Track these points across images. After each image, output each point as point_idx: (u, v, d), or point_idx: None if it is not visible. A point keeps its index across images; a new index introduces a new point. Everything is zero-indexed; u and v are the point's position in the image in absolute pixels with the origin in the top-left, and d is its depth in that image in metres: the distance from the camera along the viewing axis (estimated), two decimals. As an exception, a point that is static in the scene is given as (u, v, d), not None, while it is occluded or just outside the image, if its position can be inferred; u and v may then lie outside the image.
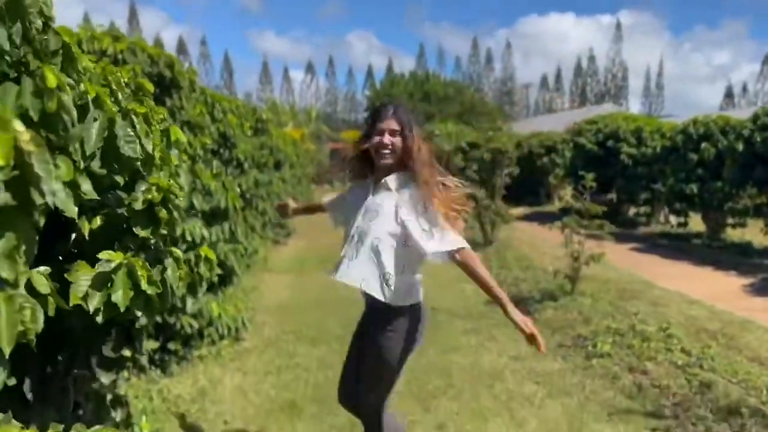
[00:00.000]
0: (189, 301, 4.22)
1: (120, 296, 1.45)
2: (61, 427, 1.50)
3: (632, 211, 12.60)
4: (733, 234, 9.21)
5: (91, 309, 1.44)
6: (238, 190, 4.71)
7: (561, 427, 3.34)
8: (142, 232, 1.57)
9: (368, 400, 2.36)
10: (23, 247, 1.18)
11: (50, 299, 1.27)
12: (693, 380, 3.78)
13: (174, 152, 2.57)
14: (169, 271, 1.64)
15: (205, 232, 4.00)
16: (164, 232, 1.71)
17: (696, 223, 10.03)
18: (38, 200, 1.16)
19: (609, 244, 9.72)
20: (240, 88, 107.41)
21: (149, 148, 1.67)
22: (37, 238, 1.25)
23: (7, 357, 1.20)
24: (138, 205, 1.63)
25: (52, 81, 1.24)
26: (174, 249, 1.75)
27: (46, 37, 1.50)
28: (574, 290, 5.89)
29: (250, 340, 4.88)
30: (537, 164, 15.83)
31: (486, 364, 4.33)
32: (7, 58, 1.30)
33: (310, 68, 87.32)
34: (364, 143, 2.18)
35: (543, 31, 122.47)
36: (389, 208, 2.14)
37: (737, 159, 7.72)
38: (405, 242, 2.12)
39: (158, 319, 3.76)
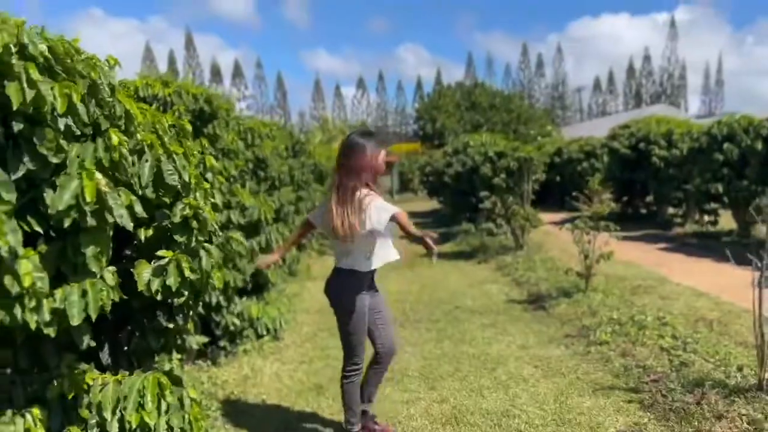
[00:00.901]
0: (234, 302, 4.94)
1: (172, 281, 2.11)
2: (127, 372, 2.18)
3: (670, 211, 12.73)
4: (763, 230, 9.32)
5: (153, 291, 2.11)
6: (274, 205, 5.40)
7: (548, 400, 3.85)
8: (180, 238, 2.23)
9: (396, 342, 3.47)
10: (103, 252, 1.87)
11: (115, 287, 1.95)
12: (674, 360, 4.22)
13: (209, 175, 3.29)
14: (204, 261, 2.29)
15: (245, 242, 4.71)
16: (200, 237, 2.38)
17: (728, 221, 10.18)
18: (110, 220, 1.84)
19: (640, 244, 10.06)
20: (294, 106, 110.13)
21: (186, 177, 2.33)
22: (110, 245, 1.93)
23: (93, 320, 1.88)
24: (176, 219, 2.30)
25: (115, 140, 1.92)
26: (207, 245, 2.41)
27: (111, 100, 2.19)
28: (588, 287, 6.31)
29: (289, 337, 5.55)
30: (577, 169, 16.05)
31: (494, 353, 4.86)
32: (85, 120, 1.98)
33: (360, 84, 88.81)
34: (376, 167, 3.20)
35: (597, 34, 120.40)
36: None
37: (758, 158, 7.94)
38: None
39: (202, 311, 4.45)
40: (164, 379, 2.06)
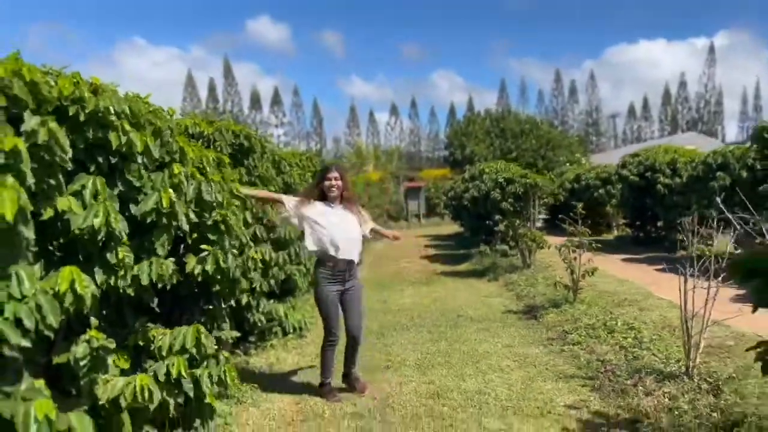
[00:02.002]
0: (262, 304, 5.87)
1: (209, 267, 3.06)
2: (183, 331, 3.12)
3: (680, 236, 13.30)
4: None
5: (196, 274, 3.06)
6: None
7: (516, 384, 4.66)
8: (212, 236, 3.18)
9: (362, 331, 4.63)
10: (167, 242, 2.83)
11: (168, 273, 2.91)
12: (629, 356, 4.98)
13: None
14: (229, 258, 3.24)
15: (273, 254, 5.66)
16: (229, 240, 3.33)
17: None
18: (175, 223, 2.81)
19: (642, 265, 10.73)
20: (329, 132, 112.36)
21: (219, 197, 3.29)
22: (171, 239, 2.90)
23: (155, 282, 2.83)
24: (209, 222, 3.25)
25: (176, 170, 2.89)
26: (234, 250, 3.36)
27: (171, 141, 3.18)
28: (576, 299, 7.07)
29: (311, 336, 6.44)
30: (594, 195, 16.72)
31: (481, 350, 5.68)
32: (155, 156, 2.95)
33: (394, 110, 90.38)
34: (319, 185, 4.45)
35: (634, 59, 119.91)
36: (354, 221, 4.48)
37: (746, 186, 8.58)
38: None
39: (234, 305, 5.40)
40: (202, 328, 2.98)
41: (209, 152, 3.83)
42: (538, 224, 19.30)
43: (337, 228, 4.31)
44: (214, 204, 3.18)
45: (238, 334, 5.83)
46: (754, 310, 2.35)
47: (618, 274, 9.45)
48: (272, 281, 5.76)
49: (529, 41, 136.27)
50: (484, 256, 11.70)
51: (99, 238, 2.44)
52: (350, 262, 4.41)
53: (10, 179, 1.90)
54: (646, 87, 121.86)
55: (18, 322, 2.11)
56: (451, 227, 22.41)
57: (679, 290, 4.44)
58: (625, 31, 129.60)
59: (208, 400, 3.15)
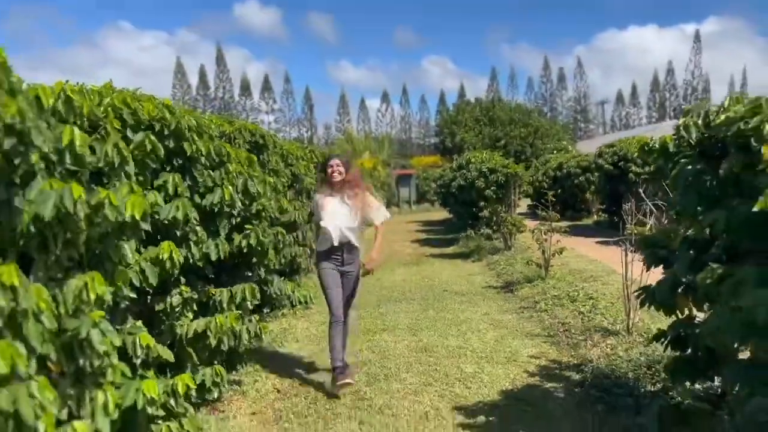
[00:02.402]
0: (274, 279, 6.83)
1: (253, 241, 4.03)
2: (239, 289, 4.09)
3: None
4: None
5: (242, 246, 4.03)
6: (306, 210, 7.32)
7: (490, 341, 5.66)
8: (254, 221, 4.13)
9: (351, 311, 4.85)
10: (226, 225, 3.80)
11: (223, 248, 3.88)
12: (585, 319, 6.01)
13: (267, 188, 5.23)
14: (263, 235, 4.20)
15: (287, 235, 6.61)
16: (265, 223, 4.30)
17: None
18: (232, 211, 3.78)
19: (613, 248, 11.71)
20: (320, 118, 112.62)
21: (259, 188, 4.24)
22: (229, 223, 3.86)
23: (221, 257, 3.80)
24: (253, 210, 4.21)
25: (231, 168, 3.85)
26: (268, 230, 4.32)
27: (221, 147, 4.12)
28: (547, 275, 8.09)
29: (316, 308, 7.42)
30: (575, 183, 17.75)
31: (463, 317, 6.69)
32: (214, 158, 3.89)
33: (385, 97, 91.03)
34: (326, 175, 4.74)
35: (624, 45, 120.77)
36: (354, 210, 4.66)
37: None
38: (360, 223, 4.71)
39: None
40: (255, 287, 3.95)
41: (242, 152, 4.77)
42: (524, 210, 20.34)
43: (333, 215, 4.54)
44: (255, 194, 4.14)
45: (258, 302, 6.84)
46: (647, 270, 3.38)
47: (590, 255, 10.48)
48: (283, 260, 6.72)
49: (521, 27, 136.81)
50: (470, 240, 12.70)
51: (180, 225, 3.40)
52: (345, 246, 4.60)
53: (135, 186, 2.84)
54: (636, 73, 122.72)
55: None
56: (440, 213, 23.40)
57: (622, 262, 5.44)
58: (616, 15, 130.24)
59: (244, 348, 4.15)
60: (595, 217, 17.99)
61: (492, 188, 11.73)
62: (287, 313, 7.03)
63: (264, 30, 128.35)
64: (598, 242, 12.62)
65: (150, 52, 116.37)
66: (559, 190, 18.94)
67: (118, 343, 2.47)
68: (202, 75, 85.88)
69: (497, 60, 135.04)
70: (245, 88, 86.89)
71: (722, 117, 2.46)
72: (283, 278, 7.35)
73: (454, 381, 4.59)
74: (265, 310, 7.06)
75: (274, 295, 6.87)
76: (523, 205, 20.48)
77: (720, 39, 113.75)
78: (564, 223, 17.29)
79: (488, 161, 12.42)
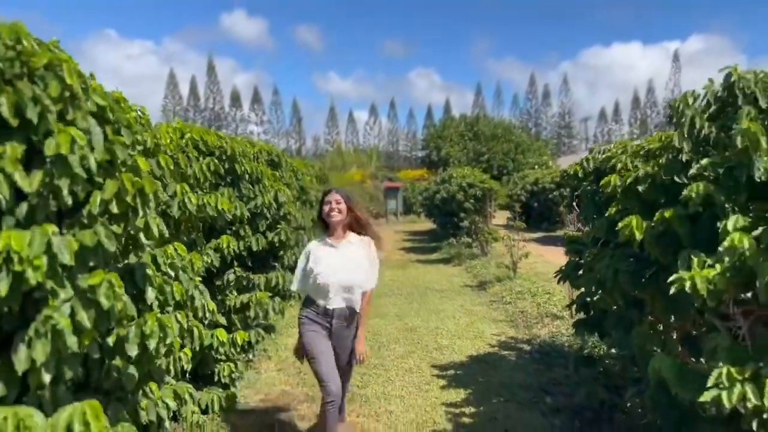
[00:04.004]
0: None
1: (283, 238, 5.36)
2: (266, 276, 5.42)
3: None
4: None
5: (275, 242, 5.36)
6: (311, 217, 8.66)
7: (462, 324, 7.01)
8: (282, 223, 5.46)
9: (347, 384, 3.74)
10: (264, 224, 5.14)
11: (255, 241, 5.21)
12: (540, 307, 7.37)
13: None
14: (289, 233, 5.53)
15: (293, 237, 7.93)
16: (290, 222, 5.63)
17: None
18: (269, 213, 5.12)
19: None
20: (308, 130, 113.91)
21: (284, 199, 5.56)
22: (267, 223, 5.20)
23: (261, 248, 5.14)
24: (281, 214, 5.55)
25: (267, 183, 5.19)
26: (291, 230, 5.65)
27: (257, 166, 5.46)
28: (515, 276, 9.47)
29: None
30: (549, 197, 19.21)
31: (442, 308, 8.03)
32: (255, 176, 5.22)
33: (373, 110, 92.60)
34: (322, 213, 3.59)
35: (609, 62, 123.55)
36: (360, 261, 3.49)
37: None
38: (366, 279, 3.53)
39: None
40: (284, 274, 5.27)
41: (268, 170, 6.11)
42: (503, 222, 21.75)
43: (331, 269, 3.42)
44: (283, 202, 5.46)
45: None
46: (567, 256, 4.70)
47: (556, 261, 11.86)
48: (294, 257, 8.03)
49: (507, 41, 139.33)
50: (451, 247, 14.06)
51: (237, 222, 4.71)
52: (344, 311, 3.46)
53: (226, 191, 4.15)
54: (621, 89, 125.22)
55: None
56: (425, 224, 24.77)
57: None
58: (600, 32, 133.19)
59: (274, 319, 5.45)
60: (568, 228, 19.44)
61: (470, 201, 13.14)
62: (294, 304, 8.33)
63: (251, 40, 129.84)
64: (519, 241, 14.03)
65: (136, 61, 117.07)
66: (536, 204, 20.44)
67: (212, 304, 3.77)
68: (193, 86, 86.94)
69: (482, 74, 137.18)
70: (235, 99, 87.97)
71: (600, 157, 3.85)
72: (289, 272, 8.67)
73: (432, 350, 5.93)
74: (276, 299, 8.36)
75: (286, 287, 8.20)
76: (502, 217, 21.91)
77: (703, 56, 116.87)
78: (539, 234, 18.83)
79: (468, 176, 13.83)
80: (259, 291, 5.15)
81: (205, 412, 4.16)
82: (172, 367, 3.18)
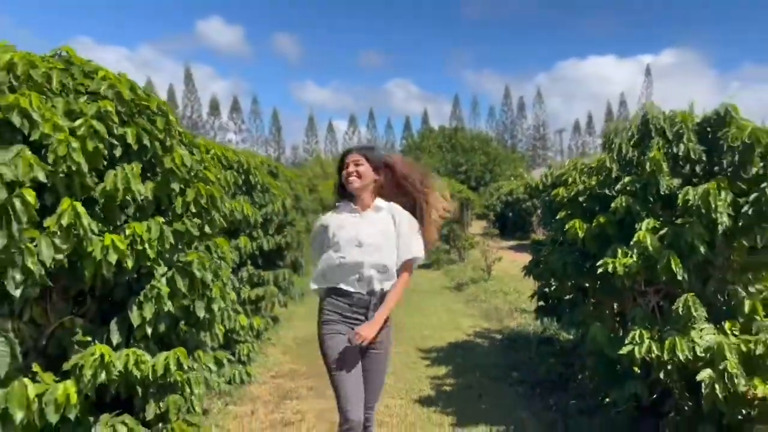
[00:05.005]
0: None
1: (289, 240, 6.19)
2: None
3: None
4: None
5: (281, 244, 6.19)
6: (304, 223, 9.48)
7: (444, 319, 7.88)
8: (287, 227, 6.28)
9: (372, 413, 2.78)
10: (273, 228, 5.99)
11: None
12: (511, 305, 8.28)
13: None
14: (295, 235, 6.36)
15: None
16: (294, 227, 6.46)
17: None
18: (278, 218, 5.96)
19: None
20: (287, 138, 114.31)
21: (290, 206, 6.39)
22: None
23: (266, 250, 5.97)
24: (288, 220, 6.39)
25: (274, 192, 6.04)
26: (291, 231, 6.49)
27: (260, 179, 6.30)
28: (489, 278, 10.38)
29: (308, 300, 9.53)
30: (522, 207, 20.25)
31: (424, 305, 8.91)
32: (264, 187, 6.06)
33: (352, 121, 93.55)
34: (339, 179, 2.83)
35: (585, 74, 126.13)
36: (388, 239, 2.70)
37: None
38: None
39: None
40: (290, 271, 6.10)
41: (273, 181, 6.94)
42: (480, 231, 22.72)
43: (355, 245, 2.68)
44: (288, 209, 6.29)
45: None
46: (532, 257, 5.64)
47: (527, 266, 12.85)
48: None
49: (484, 52, 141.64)
50: (431, 253, 14.96)
51: (252, 224, 5.54)
52: (374, 298, 2.70)
53: (242, 199, 4.97)
54: (595, 101, 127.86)
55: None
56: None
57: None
58: (577, 46, 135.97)
59: (279, 312, 6.27)
60: (540, 237, 20.46)
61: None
62: (289, 301, 9.13)
63: (228, 48, 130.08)
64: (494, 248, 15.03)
65: (111, 68, 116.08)
66: (510, 214, 21.48)
67: (233, 294, 4.58)
68: (171, 94, 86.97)
69: (460, 84, 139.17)
70: (214, 107, 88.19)
71: (556, 173, 4.77)
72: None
73: (418, 339, 6.79)
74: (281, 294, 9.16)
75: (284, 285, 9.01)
76: (478, 226, 22.92)
77: (675, 70, 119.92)
78: (513, 242, 19.84)
79: (445, 187, 14.73)
80: (269, 286, 5.97)
81: (228, 383, 4.96)
82: (209, 341, 3.98)
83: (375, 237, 2.71)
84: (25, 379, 2.26)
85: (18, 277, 2.18)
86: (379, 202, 2.82)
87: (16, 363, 2.24)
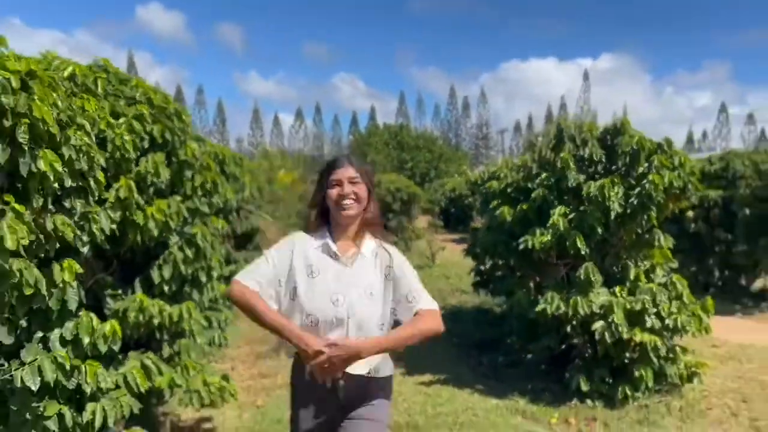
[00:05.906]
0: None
1: (255, 224, 6.93)
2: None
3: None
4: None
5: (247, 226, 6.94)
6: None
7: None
8: (255, 212, 7.03)
9: None
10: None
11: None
12: (452, 286, 9.24)
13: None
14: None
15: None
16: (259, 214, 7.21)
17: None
18: (245, 207, 6.71)
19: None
20: (232, 130, 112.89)
21: (256, 194, 7.11)
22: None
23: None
24: (257, 205, 7.12)
25: (246, 181, 6.78)
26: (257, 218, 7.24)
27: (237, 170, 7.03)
28: (434, 266, 11.34)
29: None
30: (465, 203, 21.38)
31: (374, 288, 9.76)
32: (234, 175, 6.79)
33: (299, 114, 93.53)
34: (320, 197, 2.06)
35: (526, 76, 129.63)
36: (377, 289, 2.09)
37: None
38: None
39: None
40: (258, 254, 6.86)
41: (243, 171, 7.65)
42: (423, 224, 23.77)
43: (337, 295, 1.99)
44: (255, 198, 7.02)
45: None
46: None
47: (468, 256, 13.92)
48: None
49: (430, 50, 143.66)
50: (379, 244, 15.83)
51: (228, 208, 6.26)
52: (364, 379, 2.03)
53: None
54: (537, 102, 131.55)
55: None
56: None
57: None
58: (519, 48, 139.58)
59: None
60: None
61: (398, 203, 14.98)
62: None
63: (168, 34, 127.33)
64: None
65: (45, 50, 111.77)
66: (453, 209, 22.61)
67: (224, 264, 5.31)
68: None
69: (406, 81, 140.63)
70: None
71: (492, 169, 5.71)
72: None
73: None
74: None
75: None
76: (424, 220, 23.98)
77: (612, 74, 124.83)
78: (456, 236, 20.98)
79: (395, 182, 15.66)
80: (241, 264, 6.69)
81: (208, 345, 5.67)
82: (206, 301, 4.68)
83: (367, 285, 2.06)
84: (92, 313, 2.98)
85: (85, 238, 2.90)
86: (369, 241, 2.14)
87: (80, 302, 2.96)
